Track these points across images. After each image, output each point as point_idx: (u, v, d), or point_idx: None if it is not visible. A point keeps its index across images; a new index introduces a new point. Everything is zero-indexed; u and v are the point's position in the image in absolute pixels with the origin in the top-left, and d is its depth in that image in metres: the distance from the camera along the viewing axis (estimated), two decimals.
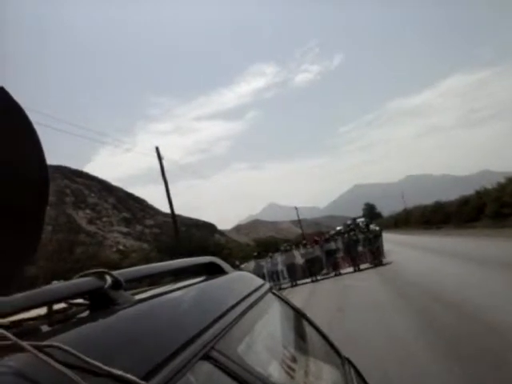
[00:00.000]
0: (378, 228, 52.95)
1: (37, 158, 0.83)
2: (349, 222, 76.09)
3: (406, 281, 13.02)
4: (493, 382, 4.49)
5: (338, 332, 7.62)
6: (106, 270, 0.94)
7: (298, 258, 22.02)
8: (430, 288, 10.61)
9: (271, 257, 22.89)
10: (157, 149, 25.85)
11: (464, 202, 37.77)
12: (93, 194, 52.16)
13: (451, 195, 47.06)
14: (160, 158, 25.74)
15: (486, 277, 10.27)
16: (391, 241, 29.82)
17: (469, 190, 38.69)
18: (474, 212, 33.22)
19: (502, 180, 31.23)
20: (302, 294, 16.15)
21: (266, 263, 22.44)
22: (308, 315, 2.25)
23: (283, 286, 21.03)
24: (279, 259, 22.35)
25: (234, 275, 1.71)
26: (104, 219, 48.26)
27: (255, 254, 24.95)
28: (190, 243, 31.67)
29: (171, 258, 1.65)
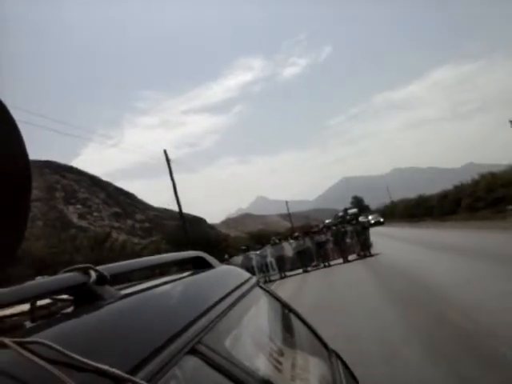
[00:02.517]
0: (382, 220, 54.12)
1: (19, 153, 0.82)
2: (340, 214, 77.32)
3: (381, 264, 16.08)
4: (418, 309, 7.72)
5: (330, 295, 12.00)
6: (90, 265, 0.92)
7: (288, 250, 22.41)
8: (398, 268, 13.68)
9: (260, 249, 23.25)
10: (165, 151, 27.38)
11: (443, 196, 40.49)
12: (83, 190, 51.92)
13: (437, 187, 47.80)
14: (168, 159, 26.97)
15: (442, 260, 13.07)
16: (376, 233, 30.83)
17: (454, 183, 39.67)
18: (452, 205, 35.74)
19: (487, 172, 32.69)
20: (302, 276, 19.31)
21: (255, 256, 22.71)
22: (295, 308, 2.26)
23: (272, 277, 21.35)
24: (268, 251, 22.63)
25: (220, 269, 1.71)
26: (95, 214, 48.10)
27: (244, 247, 25.20)
28: (194, 236, 32.70)
29: (178, 250, 1.65)
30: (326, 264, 20.90)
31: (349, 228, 22.09)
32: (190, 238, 28.33)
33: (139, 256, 1.62)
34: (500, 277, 8.56)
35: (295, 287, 15.93)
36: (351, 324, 7.87)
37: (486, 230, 19.66)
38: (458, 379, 4.39)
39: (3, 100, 0.77)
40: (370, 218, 57.28)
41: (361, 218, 41.84)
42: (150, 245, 33.95)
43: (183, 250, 1.75)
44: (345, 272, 16.74)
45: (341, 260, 20.85)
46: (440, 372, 4.68)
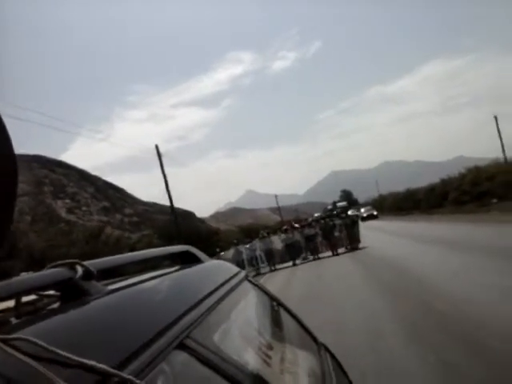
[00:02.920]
0: (375, 213, 53.18)
1: (5, 148, 0.81)
2: (329, 207, 76.90)
3: (370, 256, 16.75)
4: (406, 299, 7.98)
5: (319, 283, 13.09)
6: (77, 261, 0.91)
7: (277, 243, 22.60)
8: (386, 260, 14.26)
9: (250, 242, 23.52)
10: (156, 147, 27.78)
11: (430, 189, 41.60)
12: (72, 184, 51.60)
13: (426, 181, 48.25)
14: (159, 155, 27.29)
15: (429, 252, 13.80)
16: (365, 226, 31.31)
17: (441, 176, 40.41)
18: (439, 199, 36.76)
19: (473, 166, 33.60)
20: (292, 268, 19.79)
21: (244, 249, 22.96)
22: (283, 301, 2.26)
23: (262, 270, 21.57)
24: (257, 245, 22.84)
25: (209, 264, 1.71)
26: (83, 208, 47.89)
27: (235, 241, 25.47)
28: (186, 231, 33.16)
29: (170, 244, 1.65)
30: (316, 257, 21.09)
31: (338, 221, 22.24)
32: (181, 232, 28.67)
33: (133, 250, 1.62)
34: (478, 266, 9.35)
35: (284, 280, 16.12)
36: (339, 315, 8.12)
37: (471, 223, 20.45)
38: (437, 359, 4.74)
39: None
40: (362, 210, 56.83)
41: (351, 212, 41.57)
42: (143, 238, 34.19)
43: (175, 244, 1.75)
44: (334, 264, 17.05)
45: (330, 253, 21.00)
46: (421, 353, 5.05)
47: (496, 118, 35.24)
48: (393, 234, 24.75)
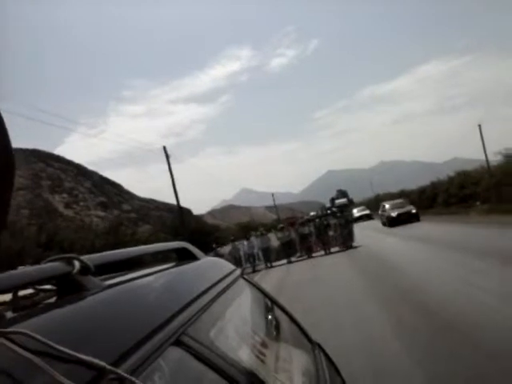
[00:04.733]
0: (368, 212, 48.29)
1: (2, 142, 0.80)
2: (328, 206, 70.73)
3: (358, 251, 18.79)
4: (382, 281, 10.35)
5: (315, 271, 15.76)
6: (74, 255, 0.91)
7: (274, 241, 22.87)
8: (371, 254, 16.54)
9: (248, 238, 23.64)
10: (164, 148, 27.92)
11: (422, 191, 43.72)
12: (69, 179, 51.51)
13: (422, 182, 48.37)
14: (167, 155, 27.42)
15: (406, 247, 16.33)
16: (357, 225, 31.21)
17: (439, 177, 40.94)
18: (429, 200, 38.72)
19: (470, 167, 34.52)
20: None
21: (242, 246, 23.23)
22: (277, 299, 2.28)
23: (258, 268, 21.91)
24: (255, 242, 22.96)
25: (204, 261, 1.71)
26: (81, 203, 47.84)
27: (232, 238, 25.71)
28: (190, 227, 34.10)
29: (175, 239, 1.65)
30: (310, 255, 21.30)
31: (332, 221, 22.35)
32: (186, 229, 29.40)
33: (144, 243, 1.64)
34: (446, 258, 11.72)
35: (284, 269, 18.96)
36: (328, 290, 11.04)
37: (447, 223, 23.40)
38: (397, 318, 6.90)
39: None
40: (354, 211, 48.49)
41: (356, 210, 38.83)
42: (155, 233, 35.16)
43: (180, 240, 1.76)
44: (326, 258, 19.56)
45: (323, 252, 21.28)
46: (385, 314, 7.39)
47: (480, 126, 35.56)
48: (381, 232, 26.71)
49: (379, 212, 33.86)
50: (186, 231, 28.43)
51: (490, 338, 5.15)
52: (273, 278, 16.90)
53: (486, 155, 33.95)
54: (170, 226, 37.51)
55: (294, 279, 15.02)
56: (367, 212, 49.97)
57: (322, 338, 2.57)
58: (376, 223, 35.23)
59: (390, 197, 59.98)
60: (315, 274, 14.76)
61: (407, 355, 5.23)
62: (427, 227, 23.35)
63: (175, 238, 25.83)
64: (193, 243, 1.77)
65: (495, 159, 33.02)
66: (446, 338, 5.44)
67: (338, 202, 67.83)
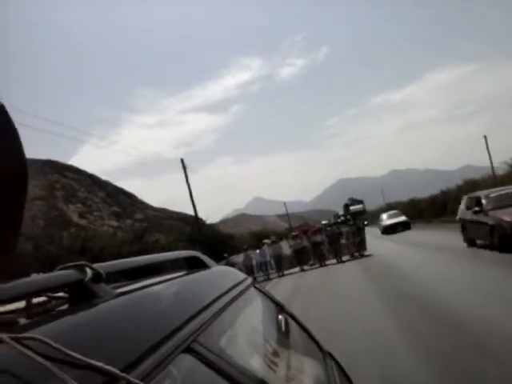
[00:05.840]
0: (405, 218, 44.85)
1: (16, 154, 0.82)
2: (341, 213, 67.20)
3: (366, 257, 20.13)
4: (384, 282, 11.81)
5: (329, 273, 17.68)
6: (86, 263, 0.92)
7: (286, 249, 22.76)
8: (377, 258, 18.38)
9: (260, 248, 23.57)
10: (182, 160, 28.72)
11: (432, 199, 44.17)
12: (83, 189, 51.90)
13: (435, 190, 47.84)
14: (185, 167, 28.15)
15: (410, 253, 17.63)
16: (369, 232, 31.35)
17: (451, 185, 40.74)
18: (439, 209, 38.71)
19: (483, 174, 34.36)
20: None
21: (254, 255, 23.11)
22: (288, 308, 2.27)
23: (271, 276, 21.83)
24: (267, 251, 22.89)
25: (215, 270, 1.72)
26: (95, 213, 48.12)
27: (245, 247, 25.53)
28: (206, 235, 34.82)
29: (193, 247, 1.66)
30: (322, 264, 21.23)
31: (344, 229, 22.30)
32: (204, 237, 30.53)
33: (165, 251, 1.66)
34: (427, 257, 14.71)
35: (297, 276, 19.62)
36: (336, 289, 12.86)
37: (447, 231, 23.06)
38: (394, 309, 8.25)
39: (2, 101, 0.78)
40: (383, 216, 37.11)
41: (385, 216, 36.68)
42: (174, 242, 35.82)
43: (197, 249, 1.77)
44: (339, 266, 20.27)
45: (335, 260, 21.24)
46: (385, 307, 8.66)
47: (485, 137, 35.71)
48: (391, 240, 27.31)
49: (378, 221, 36.40)
50: (204, 240, 28.83)
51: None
52: (284, 284, 17.27)
53: (491, 164, 33.98)
54: (187, 235, 38.16)
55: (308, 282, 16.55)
56: (403, 219, 34.51)
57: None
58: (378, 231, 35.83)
59: (401, 206, 58.72)
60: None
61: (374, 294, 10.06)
62: (414, 234, 26.80)
63: (193, 246, 25.97)
64: (209, 252, 1.79)
65: (502, 167, 33.41)
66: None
67: (352, 208, 64.05)
